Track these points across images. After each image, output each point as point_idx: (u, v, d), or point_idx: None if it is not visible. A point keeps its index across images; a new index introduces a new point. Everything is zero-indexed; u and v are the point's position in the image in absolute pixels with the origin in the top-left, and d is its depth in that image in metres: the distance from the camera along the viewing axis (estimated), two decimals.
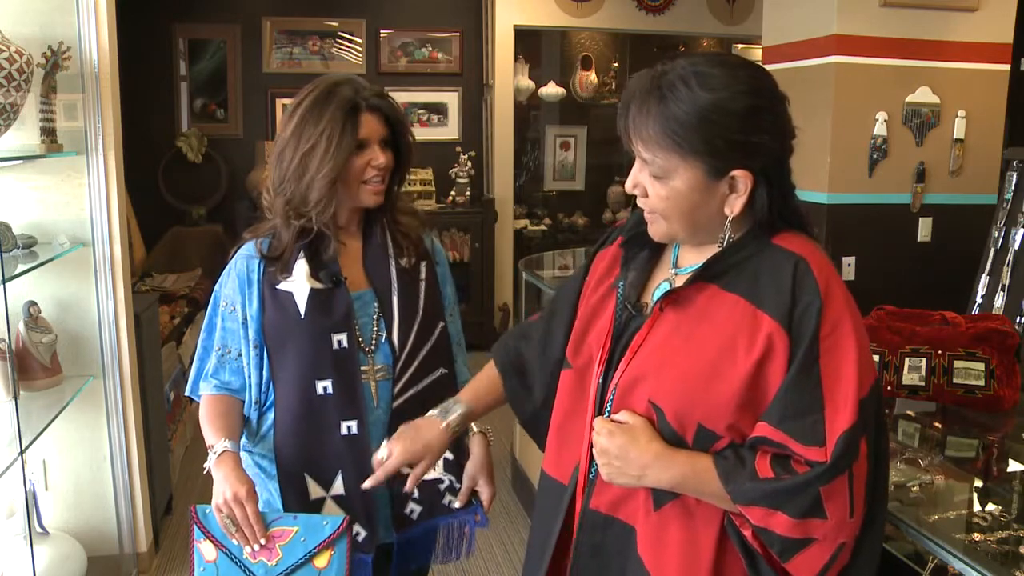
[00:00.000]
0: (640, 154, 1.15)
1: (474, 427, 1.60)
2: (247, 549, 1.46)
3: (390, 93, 1.58)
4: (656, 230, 1.20)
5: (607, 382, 1.22)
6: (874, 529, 1.16)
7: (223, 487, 1.44)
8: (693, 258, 1.21)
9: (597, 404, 1.23)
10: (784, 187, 1.16)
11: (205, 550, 1.48)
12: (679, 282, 1.21)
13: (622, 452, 1.15)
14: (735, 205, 1.13)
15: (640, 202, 1.20)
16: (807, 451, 1.08)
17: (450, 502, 1.61)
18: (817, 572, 1.10)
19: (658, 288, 1.24)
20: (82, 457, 2.81)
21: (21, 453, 2.17)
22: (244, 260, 1.57)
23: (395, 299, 1.58)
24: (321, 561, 1.48)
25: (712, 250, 1.17)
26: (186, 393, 1.65)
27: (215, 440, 1.50)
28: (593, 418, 1.22)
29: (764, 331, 1.10)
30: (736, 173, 1.11)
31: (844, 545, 1.10)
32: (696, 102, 1.08)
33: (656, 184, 1.14)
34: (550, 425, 1.33)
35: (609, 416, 1.20)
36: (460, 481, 1.61)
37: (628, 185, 1.20)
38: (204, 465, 1.51)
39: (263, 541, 1.45)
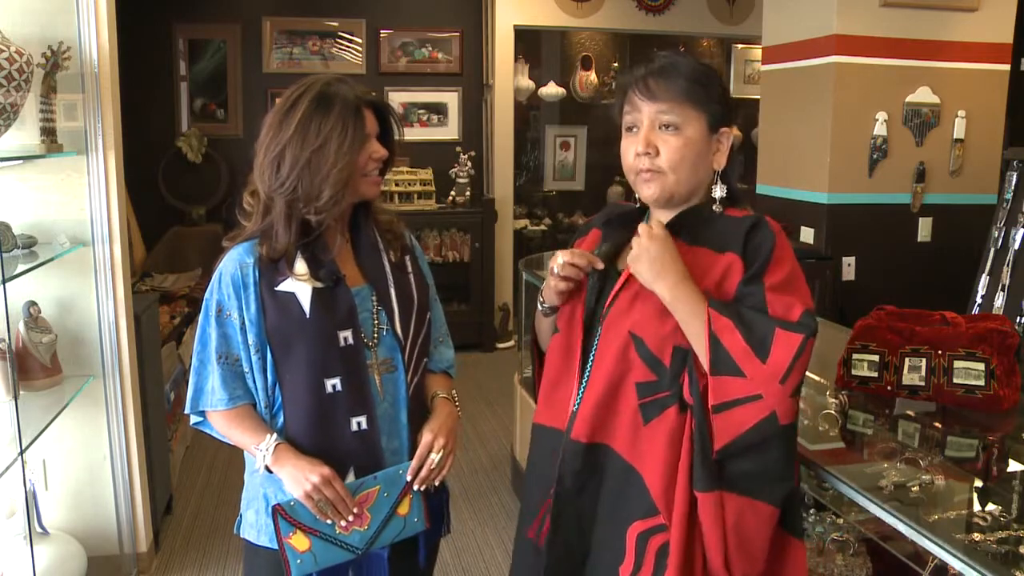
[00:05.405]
0: (652, 114, 1.36)
1: (440, 392, 1.67)
2: (341, 524, 1.50)
3: (390, 93, 1.60)
4: (655, 189, 1.38)
5: (589, 334, 1.42)
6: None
7: (303, 474, 1.47)
8: None
9: (582, 353, 1.41)
10: (733, 163, 1.42)
11: (296, 543, 1.50)
12: None
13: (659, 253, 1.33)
14: (721, 159, 1.40)
15: (648, 162, 1.37)
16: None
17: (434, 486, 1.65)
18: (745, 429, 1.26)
19: (630, 255, 1.44)
20: (82, 457, 2.82)
21: (21, 453, 2.17)
22: (236, 264, 1.54)
23: (392, 292, 1.60)
24: (403, 508, 1.56)
25: None
26: (186, 411, 1.60)
27: (259, 439, 1.52)
28: (580, 369, 1.41)
29: (725, 261, 1.34)
30: (724, 130, 1.39)
31: (774, 413, 1.25)
32: (698, 68, 1.38)
33: (671, 138, 1.36)
34: (542, 383, 1.50)
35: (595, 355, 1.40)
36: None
37: (641, 146, 1.37)
38: (258, 466, 1.52)
39: (356, 510, 1.50)
